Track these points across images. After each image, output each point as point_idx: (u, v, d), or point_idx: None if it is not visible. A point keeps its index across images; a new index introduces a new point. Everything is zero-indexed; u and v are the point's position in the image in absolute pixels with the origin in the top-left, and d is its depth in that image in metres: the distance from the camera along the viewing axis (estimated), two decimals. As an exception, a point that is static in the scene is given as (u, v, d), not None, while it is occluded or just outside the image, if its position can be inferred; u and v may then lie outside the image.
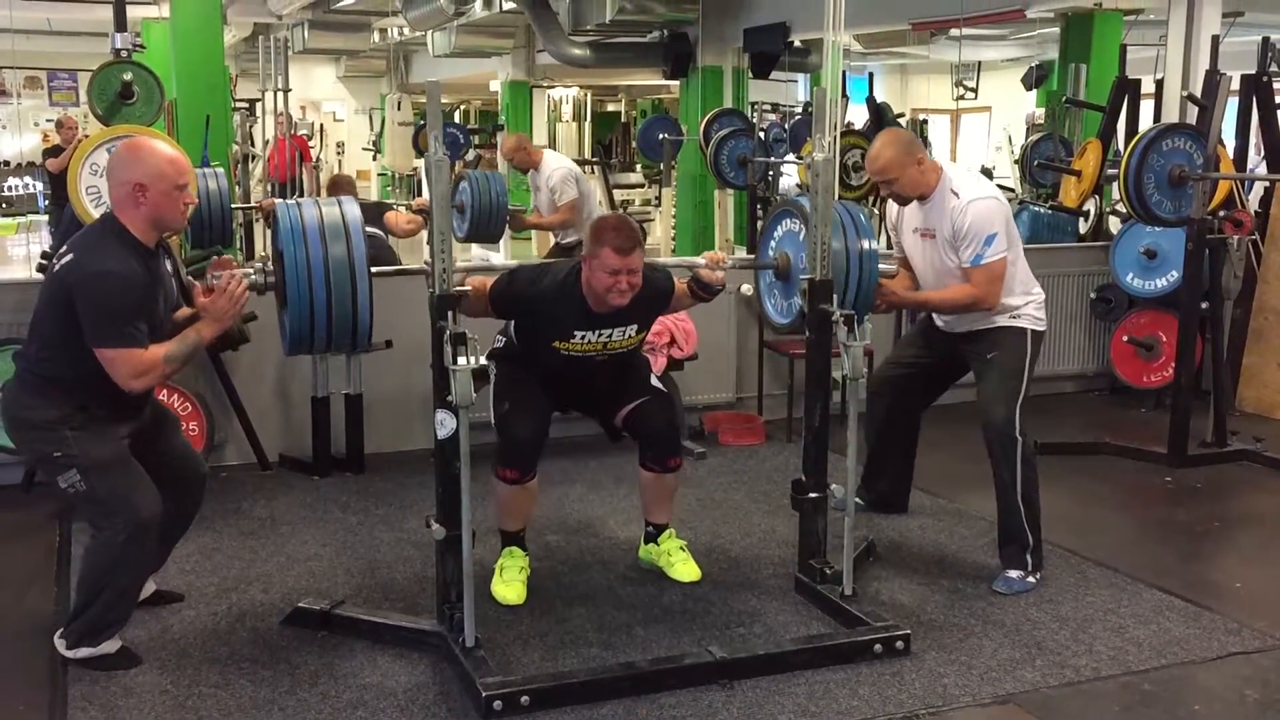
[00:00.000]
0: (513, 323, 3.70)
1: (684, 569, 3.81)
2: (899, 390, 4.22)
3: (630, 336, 3.60)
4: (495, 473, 3.65)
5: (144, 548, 3.15)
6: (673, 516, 3.92)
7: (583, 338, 3.52)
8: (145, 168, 3.02)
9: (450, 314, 3.06)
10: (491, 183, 6.53)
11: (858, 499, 4.25)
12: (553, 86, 16.72)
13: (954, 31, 9.32)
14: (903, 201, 3.93)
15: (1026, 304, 3.90)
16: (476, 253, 12.70)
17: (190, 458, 3.46)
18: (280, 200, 3.14)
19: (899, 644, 3.28)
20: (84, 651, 3.16)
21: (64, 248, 3.13)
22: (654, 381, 3.79)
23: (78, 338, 2.99)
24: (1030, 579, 3.79)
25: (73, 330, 2.99)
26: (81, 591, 3.18)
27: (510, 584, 3.66)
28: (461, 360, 2.95)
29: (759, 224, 8.47)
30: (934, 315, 4.12)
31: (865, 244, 3.64)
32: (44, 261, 4.75)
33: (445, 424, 3.09)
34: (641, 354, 3.91)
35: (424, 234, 4.87)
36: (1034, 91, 11.08)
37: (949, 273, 3.88)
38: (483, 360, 3.07)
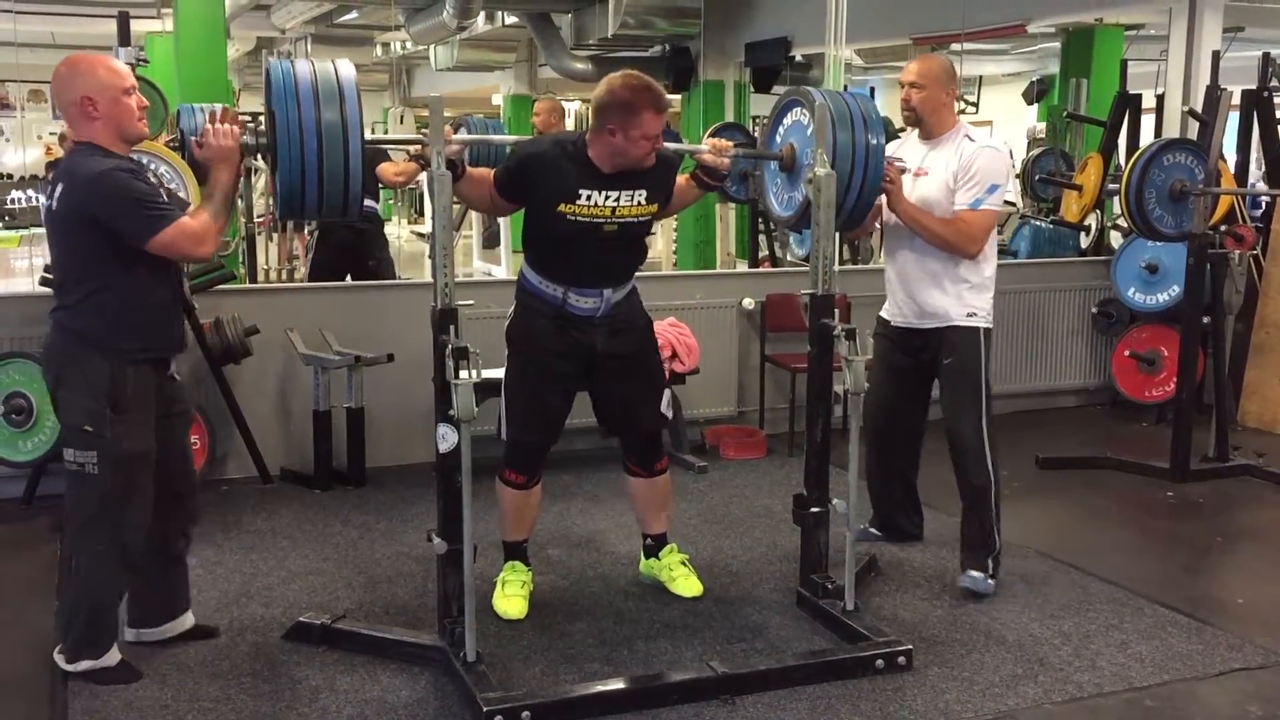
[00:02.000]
0: (525, 247, 3.57)
1: (686, 584, 3.78)
2: (890, 414, 4.10)
3: (640, 204, 3.44)
4: (500, 475, 3.62)
5: (125, 553, 3.11)
6: (673, 531, 3.91)
7: (589, 198, 3.37)
8: (88, 80, 2.98)
9: (452, 328, 3.06)
10: (490, 130, 6.55)
11: (873, 529, 4.24)
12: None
13: (955, 46, 9.33)
14: (914, 121, 3.85)
15: (984, 298, 3.85)
16: (478, 265, 12.72)
17: (188, 463, 3.40)
18: (274, 59, 3.09)
19: (901, 659, 3.27)
20: (85, 664, 3.15)
21: (51, 188, 3.05)
22: (665, 408, 3.72)
23: (114, 258, 2.94)
24: (990, 580, 3.80)
25: (105, 251, 2.94)
26: (72, 600, 3.18)
27: (512, 599, 3.63)
28: (463, 375, 2.95)
29: (760, 236, 8.50)
30: (889, 314, 4.01)
31: (873, 139, 3.51)
32: (47, 275, 4.75)
33: (447, 438, 3.09)
34: (662, 372, 3.85)
35: (427, 247, 4.86)
36: (1035, 106, 11.12)
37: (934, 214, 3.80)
38: (487, 374, 3.05)
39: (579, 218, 3.39)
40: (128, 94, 3.04)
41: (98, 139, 3.02)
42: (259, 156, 3.15)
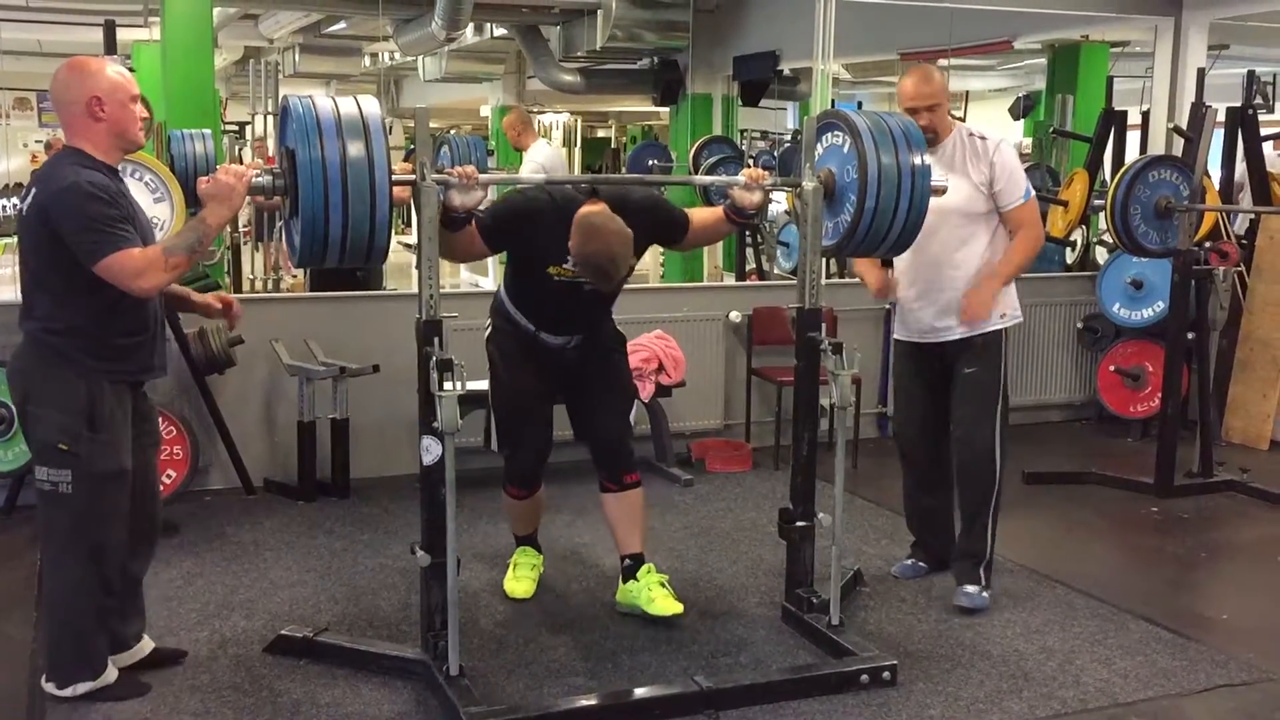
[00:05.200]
0: (504, 281, 3.66)
1: (664, 604, 3.59)
2: (929, 440, 3.99)
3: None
4: (504, 489, 3.80)
5: (102, 573, 3.03)
6: (658, 543, 3.90)
7: (570, 261, 3.38)
8: (98, 81, 2.92)
9: (437, 339, 3.04)
10: (472, 149, 6.59)
11: (921, 563, 4.09)
12: (543, 112, 16.77)
13: (942, 61, 9.36)
14: (933, 141, 3.72)
15: (1011, 293, 3.85)
16: (465, 277, 12.71)
17: (154, 488, 3.30)
18: (293, 95, 2.96)
19: (886, 674, 3.26)
20: (84, 687, 3.05)
21: (26, 192, 2.99)
22: (631, 416, 3.81)
23: (83, 273, 2.83)
24: (985, 594, 3.80)
25: (72, 264, 2.84)
26: (52, 625, 3.08)
27: (521, 580, 3.83)
28: (448, 386, 2.93)
29: (747, 250, 8.51)
30: (909, 334, 3.91)
31: (917, 159, 3.38)
32: (28, 284, 4.73)
33: (431, 450, 3.08)
34: (631, 383, 3.91)
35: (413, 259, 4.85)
36: (1021, 121, 11.17)
37: (955, 221, 3.72)
38: (472, 386, 3.03)
39: (563, 279, 3.45)
40: (134, 100, 2.98)
41: (93, 144, 2.93)
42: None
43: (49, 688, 3.08)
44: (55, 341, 2.93)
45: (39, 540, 3.12)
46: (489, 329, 3.73)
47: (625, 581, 3.72)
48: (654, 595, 3.63)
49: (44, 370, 2.94)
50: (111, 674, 3.11)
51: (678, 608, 3.61)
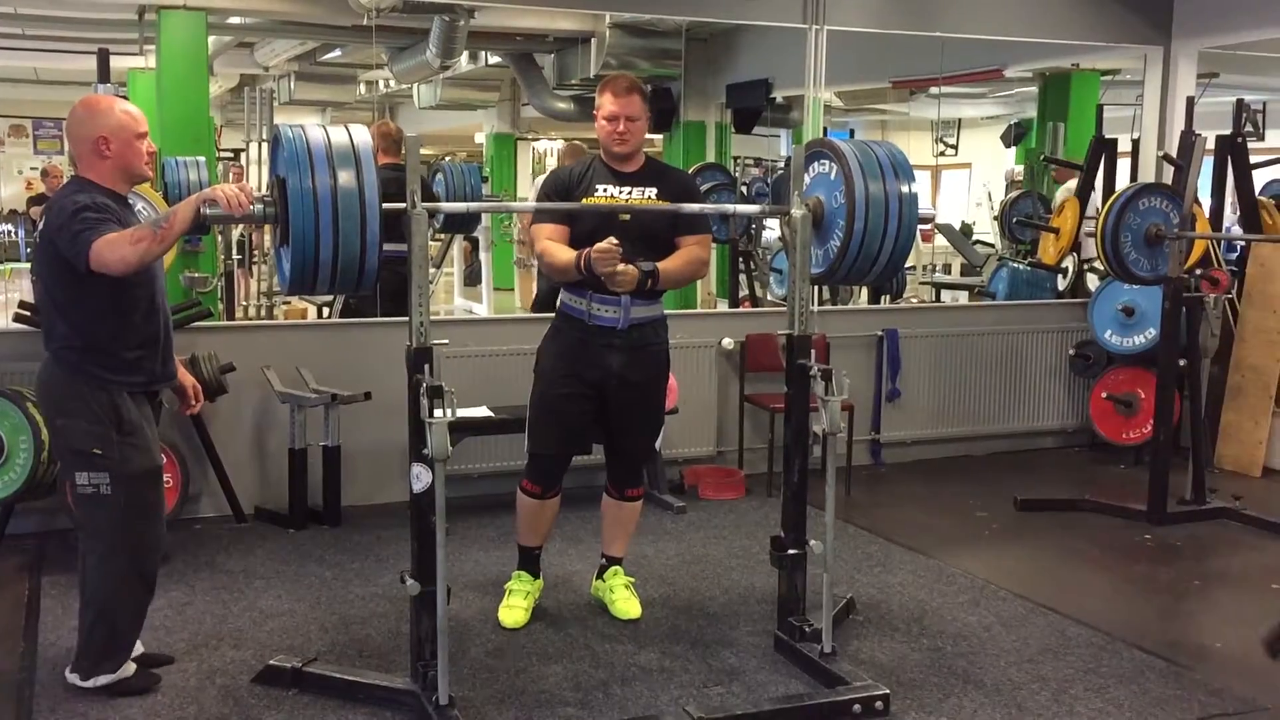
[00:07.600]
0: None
1: (625, 606, 3.88)
2: None
3: (650, 198, 3.71)
4: (520, 484, 3.85)
5: (145, 571, 3.21)
6: (653, 572, 3.89)
7: (604, 191, 3.71)
8: (106, 120, 3.11)
9: (427, 366, 3.04)
10: (467, 176, 6.58)
11: None
12: (537, 139, 16.82)
13: (934, 90, 9.42)
14: None
15: None
16: (459, 303, 12.70)
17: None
18: (283, 124, 3.08)
19: (878, 704, 3.25)
20: (104, 679, 3.19)
21: (42, 222, 3.19)
22: (658, 441, 3.97)
23: (87, 291, 3.02)
24: None
25: (78, 286, 3.02)
26: (88, 618, 3.20)
27: (512, 609, 3.83)
28: (438, 413, 2.93)
29: (740, 276, 8.53)
30: None
31: (905, 187, 3.41)
32: (22, 311, 4.72)
33: (421, 478, 3.07)
34: (663, 411, 4.03)
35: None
36: (1013, 149, 11.22)
37: None
38: (463, 413, 3.03)
39: (601, 202, 3.68)
40: (140, 138, 3.15)
41: (99, 176, 3.12)
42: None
43: (72, 679, 3.22)
44: (74, 358, 3.12)
45: (82, 544, 3.25)
46: (544, 335, 3.82)
47: (598, 578, 4.02)
48: (615, 596, 3.93)
49: (67, 384, 3.13)
50: (130, 667, 3.25)
51: (637, 611, 3.89)
